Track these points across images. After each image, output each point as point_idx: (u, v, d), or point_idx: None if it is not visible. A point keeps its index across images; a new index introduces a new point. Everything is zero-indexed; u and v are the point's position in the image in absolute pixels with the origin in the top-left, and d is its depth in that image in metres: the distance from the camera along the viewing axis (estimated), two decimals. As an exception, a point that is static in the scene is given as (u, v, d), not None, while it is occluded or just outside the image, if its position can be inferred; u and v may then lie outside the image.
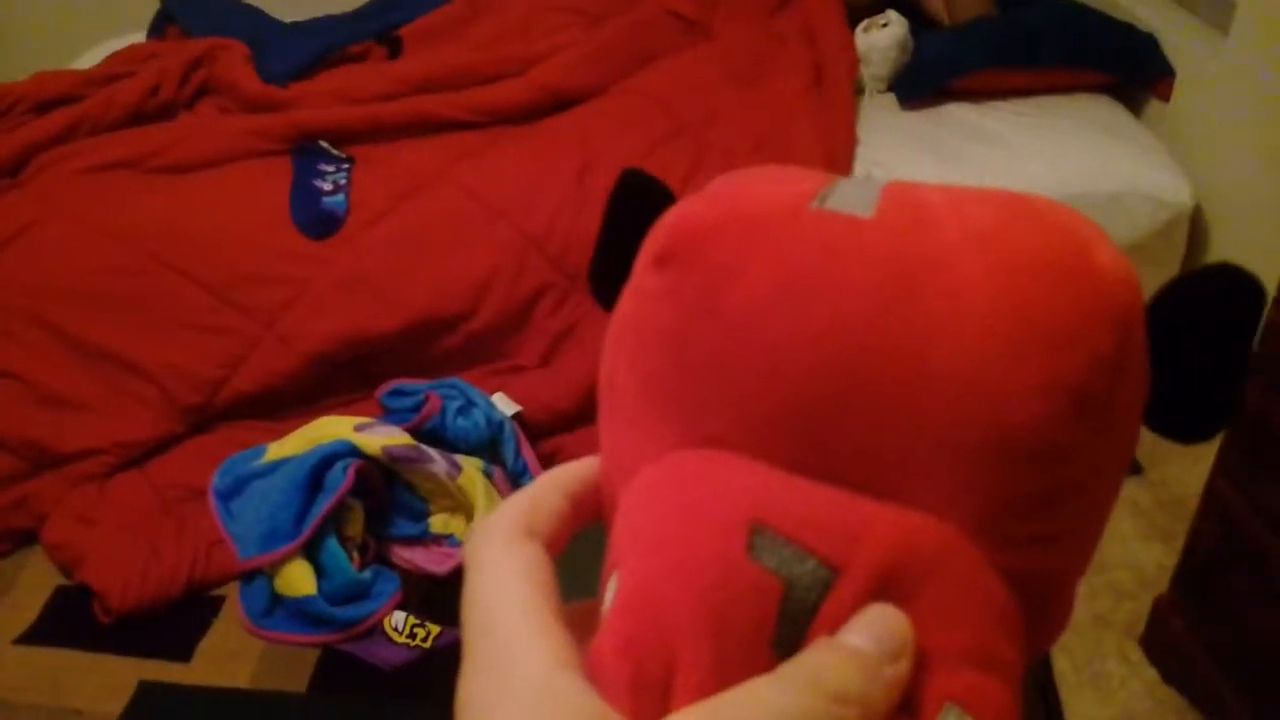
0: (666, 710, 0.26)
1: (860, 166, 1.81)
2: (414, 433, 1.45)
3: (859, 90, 2.00)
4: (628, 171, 0.35)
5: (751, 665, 0.26)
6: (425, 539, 1.44)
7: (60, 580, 1.40)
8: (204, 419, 1.55)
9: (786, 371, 0.29)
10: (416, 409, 1.50)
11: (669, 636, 0.27)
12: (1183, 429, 0.31)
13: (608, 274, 0.34)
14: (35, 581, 1.40)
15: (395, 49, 2.10)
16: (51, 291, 1.57)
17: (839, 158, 1.76)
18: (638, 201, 0.33)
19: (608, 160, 1.74)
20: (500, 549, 0.30)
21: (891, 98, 2.02)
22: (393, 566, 1.40)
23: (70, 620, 1.34)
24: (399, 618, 1.32)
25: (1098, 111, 1.97)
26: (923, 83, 1.98)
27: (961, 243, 0.29)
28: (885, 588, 0.27)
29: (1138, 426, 0.30)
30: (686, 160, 1.74)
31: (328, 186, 1.68)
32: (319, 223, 1.63)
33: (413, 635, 1.31)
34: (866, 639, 0.26)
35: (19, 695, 1.24)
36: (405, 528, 1.43)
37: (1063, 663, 1.21)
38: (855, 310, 0.28)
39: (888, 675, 0.26)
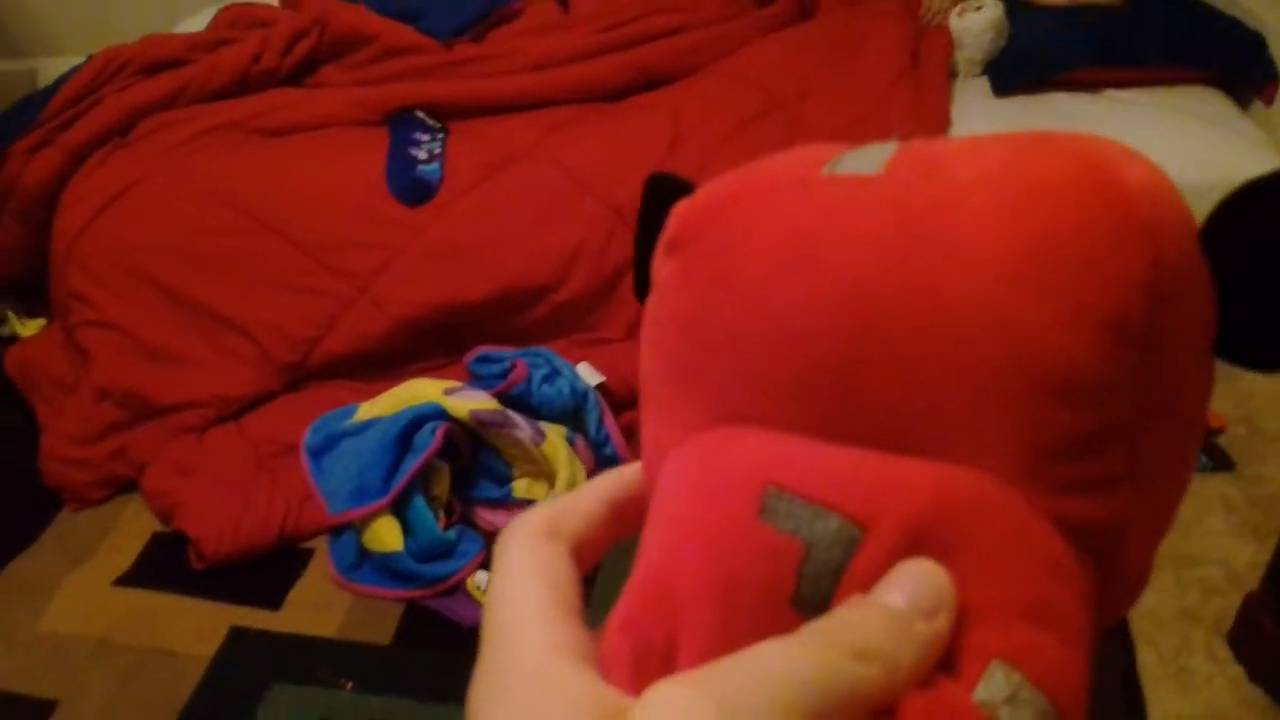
0: None
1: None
2: (500, 399, 1.48)
3: (953, 74, 1.98)
4: (653, 176, 0.34)
5: (770, 630, 0.25)
6: (508, 503, 1.46)
7: (157, 527, 1.44)
8: (298, 377, 1.59)
9: (798, 336, 0.27)
10: (503, 376, 1.52)
11: (673, 607, 0.26)
12: (1258, 357, 0.28)
13: (646, 280, 0.33)
14: (134, 527, 1.45)
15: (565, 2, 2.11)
16: (155, 248, 1.62)
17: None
18: (666, 204, 0.32)
19: (698, 135, 1.74)
20: (518, 548, 0.30)
21: (985, 82, 1.99)
22: (476, 528, 1.43)
23: (166, 565, 1.38)
24: (481, 577, 1.35)
25: (1204, 104, 1.92)
26: (1020, 74, 1.94)
27: (973, 182, 0.27)
28: (920, 543, 0.25)
29: (1203, 358, 0.28)
30: (778, 137, 1.73)
31: (423, 155, 1.70)
32: (413, 190, 1.65)
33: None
34: (898, 594, 0.24)
35: (118, 634, 1.29)
36: (489, 491, 1.45)
37: (1147, 656, 1.19)
38: (863, 265, 0.27)
39: (921, 632, 0.24)
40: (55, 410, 1.60)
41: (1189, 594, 1.27)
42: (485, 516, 1.44)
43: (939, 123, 1.79)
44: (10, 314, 1.81)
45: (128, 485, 1.51)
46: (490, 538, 1.41)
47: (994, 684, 0.24)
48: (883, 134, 0.31)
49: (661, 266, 0.31)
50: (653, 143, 1.73)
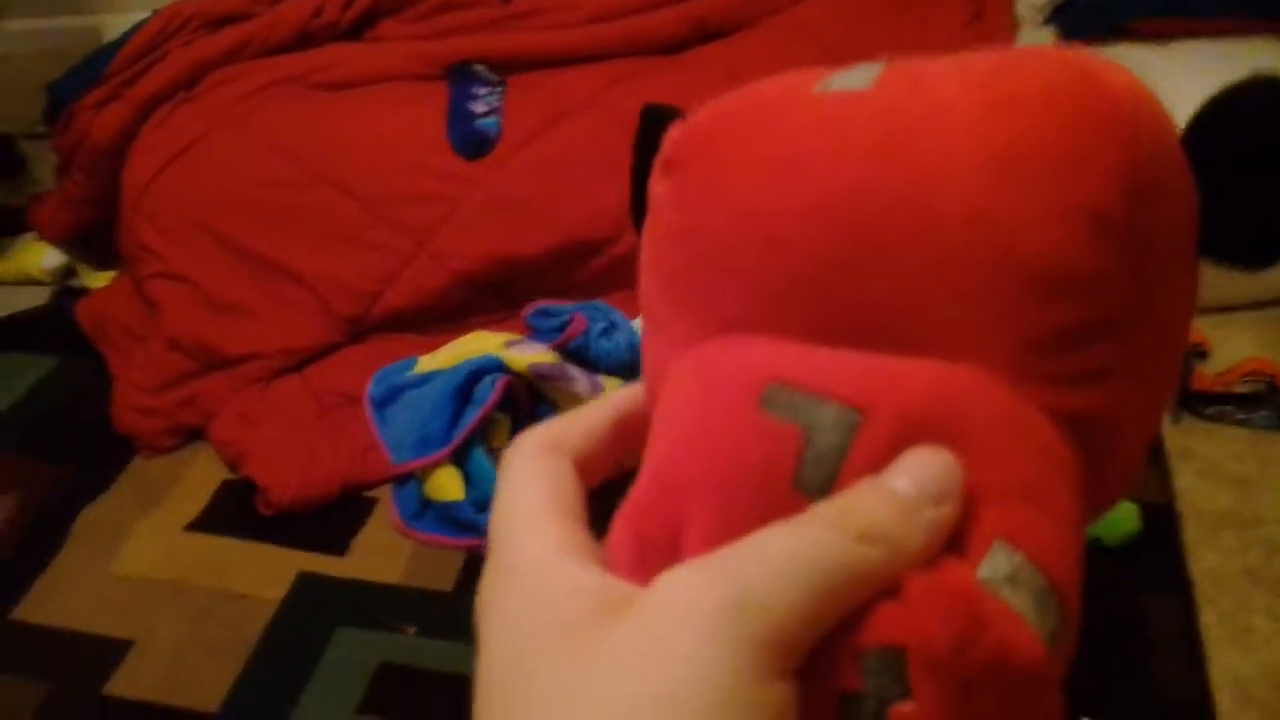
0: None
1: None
2: (558, 352, 1.49)
3: (1017, 24, 1.94)
4: (648, 106, 0.35)
5: (775, 515, 0.25)
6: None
7: (226, 474, 1.48)
8: (359, 330, 1.61)
9: (789, 244, 0.28)
10: (561, 329, 1.54)
11: (676, 498, 0.27)
12: (1240, 256, 0.29)
13: (642, 210, 0.33)
14: (203, 475, 1.49)
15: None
16: (220, 201, 1.64)
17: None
18: (661, 131, 0.33)
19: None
20: (522, 462, 0.30)
21: (1049, 32, 1.94)
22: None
23: (235, 512, 1.42)
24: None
25: (1276, 57, 1.86)
26: (1086, 26, 1.90)
27: (959, 92, 0.27)
28: (919, 430, 0.25)
29: (1187, 257, 0.29)
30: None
31: (481, 108, 1.71)
32: (472, 143, 1.66)
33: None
34: (906, 479, 0.25)
35: (190, 577, 1.33)
36: (547, 443, 1.47)
37: (1209, 615, 1.19)
38: (851, 173, 0.27)
39: (928, 518, 0.24)
40: (126, 360, 1.64)
41: (1251, 553, 1.26)
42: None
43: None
44: (81, 266, 1.86)
45: (197, 434, 1.54)
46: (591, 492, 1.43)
47: (996, 563, 0.25)
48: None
49: (656, 187, 0.32)
50: (709, 95, 1.71)
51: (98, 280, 1.84)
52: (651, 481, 0.28)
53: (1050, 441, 0.27)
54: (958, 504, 0.25)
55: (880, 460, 0.25)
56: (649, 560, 0.27)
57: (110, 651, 1.24)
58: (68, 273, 1.86)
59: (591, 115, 1.69)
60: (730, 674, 0.22)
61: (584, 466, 0.31)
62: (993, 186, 0.26)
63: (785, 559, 0.24)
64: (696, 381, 0.29)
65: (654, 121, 0.33)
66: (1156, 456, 1.37)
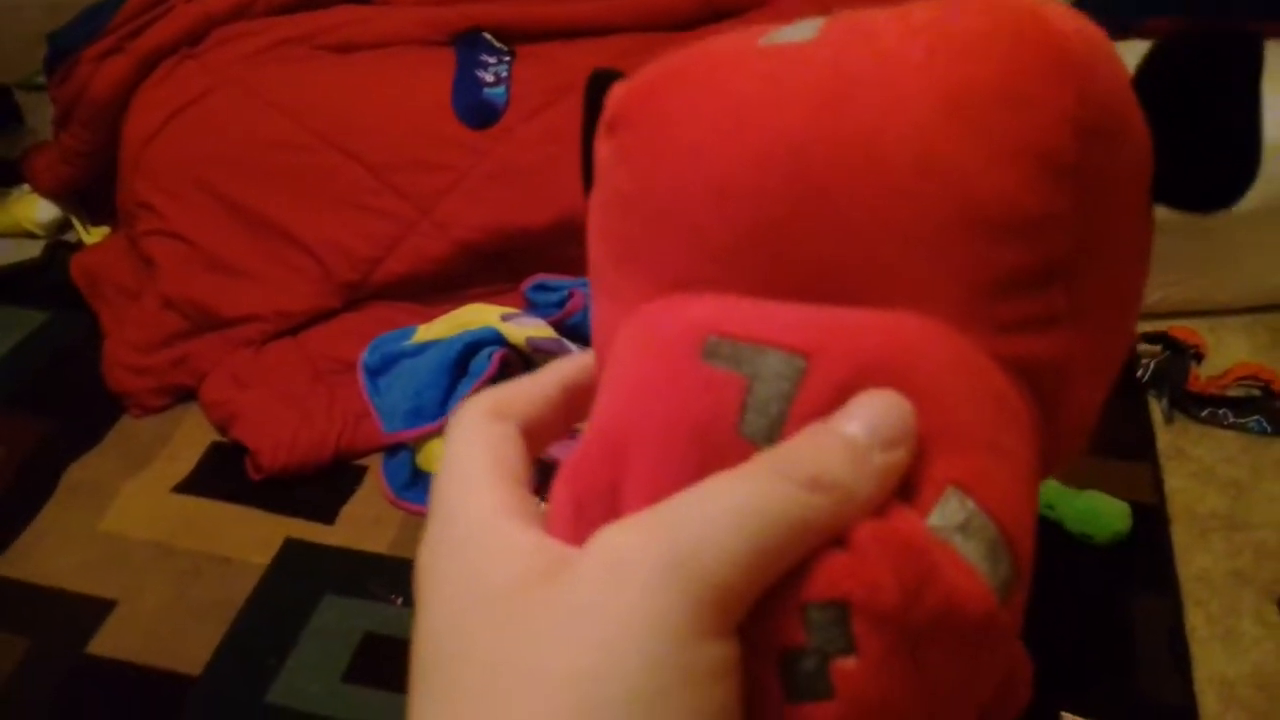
0: None
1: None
2: (557, 327, 1.48)
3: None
4: (596, 72, 0.34)
5: (719, 464, 0.24)
6: (576, 435, 1.47)
7: (216, 437, 1.47)
8: (358, 296, 1.60)
9: (735, 197, 0.27)
10: (560, 304, 1.53)
11: (615, 454, 0.26)
12: (1193, 199, 0.28)
13: (590, 176, 0.33)
14: (192, 436, 1.48)
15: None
16: (221, 160, 1.62)
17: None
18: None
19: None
20: (467, 425, 0.30)
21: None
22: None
23: (224, 475, 1.41)
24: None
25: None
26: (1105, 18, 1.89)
27: (902, 38, 0.27)
28: (868, 377, 0.25)
29: (1140, 202, 0.28)
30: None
31: (489, 78, 1.69)
32: (478, 113, 1.64)
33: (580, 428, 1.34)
34: (857, 423, 0.24)
35: (175, 539, 1.32)
36: (542, 418, 1.46)
37: (1196, 617, 1.19)
38: (796, 123, 0.27)
39: (878, 463, 0.23)
40: (119, 317, 1.62)
41: (1241, 556, 1.26)
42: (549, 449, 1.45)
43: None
44: (76, 220, 1.84)
45: (188, 395, 1.53)
46: (542, 466, 1.42)
47: (948, 510, 0.24)
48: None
49: (601, 148, 0.31)
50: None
51: (92, 235, 1.82)
52: (591, 441, 0.27)
53: (1003, 390, 0.26)
54: (910, 450, 0.24)
55: (828, 407, 0.24)
56: (588, 517, 0.26)
57: (93, 610, 1.23)
58: (62, 227, 1.84)
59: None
60: (669, 633, 0.22)
61: (531, 433, 0.31)
62: (939, 130, 0.25)
63: (727, 510, 0.23)
64: (637, 340, 0.28)
65: (602, 86, 0.33)
66: (1149, 456, 1.36)
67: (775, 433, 0.25)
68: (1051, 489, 1.26)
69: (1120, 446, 1.36)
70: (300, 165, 1.61)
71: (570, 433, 0.33)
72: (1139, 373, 1.45)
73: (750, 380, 0.25)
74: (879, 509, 0.24)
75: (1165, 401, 1.43)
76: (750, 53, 0.29)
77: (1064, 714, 1.05)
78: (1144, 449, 1.37)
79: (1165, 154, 0.28)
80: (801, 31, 0.29)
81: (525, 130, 1.63)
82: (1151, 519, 1.28)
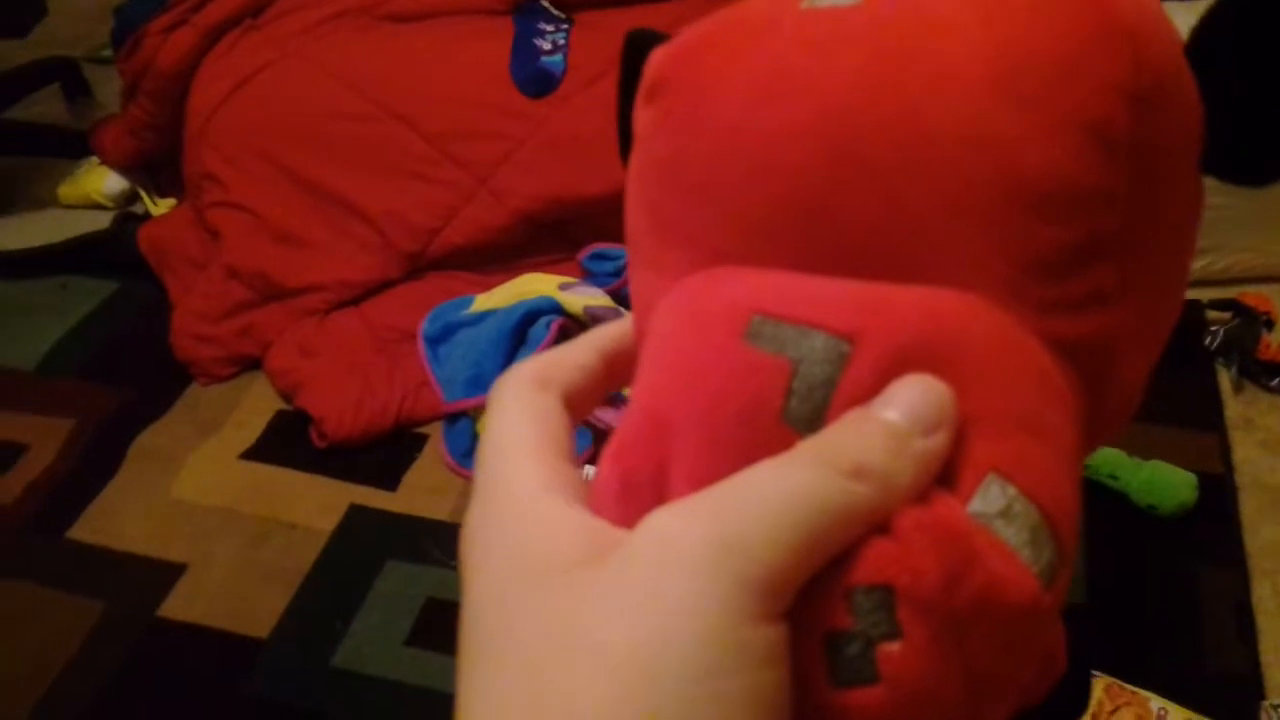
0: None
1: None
2: (614, 296, 1.48)
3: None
4: (632, 32, 0.33)
5: (763, 449, 0.24)
6: (618, 400, 1.47)
7: (281, 405, 1.50)
8: (418, 266, 1.61)
9: (776, 168, 0.27)
10: (617, 273, 1.53)
11: (662, 435, 0.26)
12: (1244, 171, 0.27)
13: (629, 142, 0.32)
14: (258, 404, 1.50)
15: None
16: (284, 132, 1.64)
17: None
18: (644, 61, 0.31)
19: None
20: (510, 397, 0.30)
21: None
22: (586, 424, 1.45)
23: (289, 442, 1.44)
24: (589, 471, 1.37)
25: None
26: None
27: (951, 6, 0.26)
28: (910, 358, 0.24)
29: (1191, 172, 0.27)
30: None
31: (547, 46, 1.69)
32: (536, 81, 1.64)
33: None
34: (896, 409, 0.24)
35: (243, 505, 1.35)
36: (600, 387, 1.47)
37: (1263, 589, 1.17)
38: (842, 93, 0.26)
39: (918, 449, 0.23)
40: (186, 287, 1.65)
41: (1313, 529, 1.23)
42: (595, 413, 1.46)
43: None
44: (143, 192, 1.87)
45: (254, 363, 1.56)
46: (600, 435, 1.43)
47: (989, 496, 0.24)
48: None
49: (640, 115, 0.31)
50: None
51: (159, 206, 1.85)
52: (636, 419, 0.27)
53: (1047, 370, 0.25)
54: (950, 434, 0.24)
55: (870, 391, 0.24)
56: (635, 498, 0.26)
57: (164, 574, 1.26)
58: (131, 198, 1.87)
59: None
60: (721, 616, 0.22)
61: (572, 401, 0.31)
62: (988, 102, 0.25)
63: (774, 499, 0.23)
64: (681, 316, 0.28)
65: (640, 48, 0.32)
66: (1216, 426, 1.34)
67: (818, 417, 0.25)
68: (1117, 460, 1.24)
69: (1187, 416, 1.34)
70: (360, 135, 1.62)
71: (610, 399, 0.33)
72: (1207, 340, 1.41)
73: (794, 365, 0.25)
74: (921, 494, 0.24)
75: (1234, 370, 1.39)
76: (791, 17, 0.28)
77: (1095, 673, 1.04)
78: (1212, 418, 1.35)
79: (1217, 124, 0.27)
80: None
81: (582, 99, 1.62)
82: (1219, 490, 1.26)
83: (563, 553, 0.24)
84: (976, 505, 0.23)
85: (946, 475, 0.24)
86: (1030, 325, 0.25)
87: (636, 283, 0.32)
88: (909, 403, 0.24)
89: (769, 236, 0.27)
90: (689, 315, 0.27)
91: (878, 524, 0.23)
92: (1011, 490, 0.24)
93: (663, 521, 0.23)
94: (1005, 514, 0.24)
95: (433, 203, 1.59)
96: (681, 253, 0.29)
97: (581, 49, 1.68)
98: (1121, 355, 0.27)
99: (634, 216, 0.31)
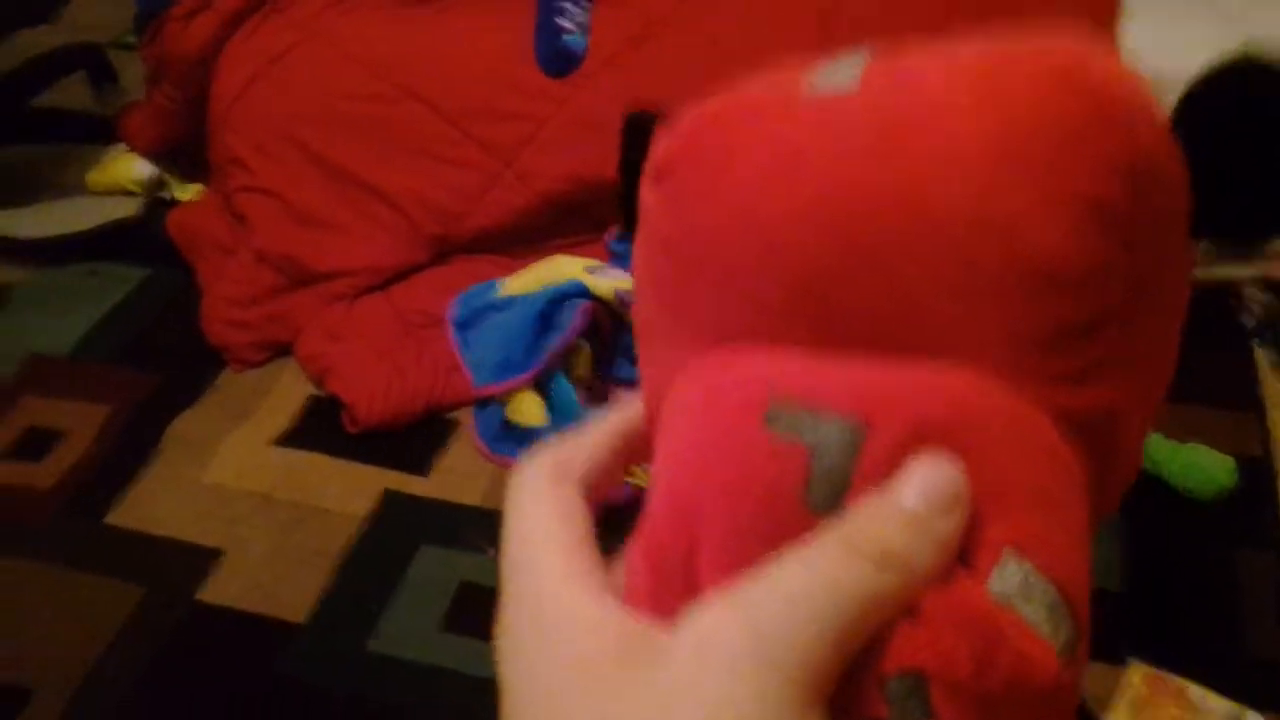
0: (691, 599, 0.26)
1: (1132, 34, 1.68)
2: (642, 278, 1.48)
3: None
4: (631, 115, 0.34)
5: (787, 533, 0.25)
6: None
7: (313, 390, 1.50)
8: (445, 249, 1.61)
9: (785, 249, 0.28)
10: (645, 255, 1.52)
11: (688, 522, 0.27)
12: (1230, 233, 0.28)
13: (632, 217, 0.33)
14: (291, 390, 1.51)
15: None
16: (308, 116, 1.64)
17: (1102, 24, 1.64)
18: (645, 136, 0.33)
19: (851, 7, 1.67)
20: (530, 494, 0.31)
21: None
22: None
23: (321, 428, 1.44)
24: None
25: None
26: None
27: (946, 85, 0.27)
28: (923, 437, 0.25)
29: (1183, 239, 0.28)
30: (939, 11, 1.65)
31: (569, 25, 1.68)
32: (558, 61, 1.64)
33: (631, 474, 1.35)
34: (912, 492, 0.25)
35: (277, 490, 1.36)
36: (628, 371, 1.47)
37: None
38: (844, 174, 0.27)
39: (938, 531, 0.24)
40: (216, 273, 1.66)
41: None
42: (624, 397, 1.46)
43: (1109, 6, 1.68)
44: (170, 178, 1.88)
45: (285, 349, 1.57)
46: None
47: (1007, 574, 0.25)
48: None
49: (647, 196, 0.32)
50: (802, 18, 1.66)
51: (187, 192, 1.86)
52: (662, 507, 0.28)
53: (1054, 444, 0.26)
54: (965, 511, 0.25)
55: (886, 470, 0.25)
56: (667, 586, 0.27)
57: (201, 559, 1.28)
58: (160, 184, 1.88)
59: (677, 35, 1.65)
60: (762, 712, 0.23)
61: (590, 489, 0.32)
62: (988, 182, 0.26)
63: (805, 592, 0.24)
64: (699, 400, 0.29)
65: (639, 128, 0.33)
66: (1255, 407, 1.32)
67: (838, 500, 0.26)
68: (1154, 442, 1.23)
69: (1224, 396, 1.32)
70: (384, 118, 1.62)
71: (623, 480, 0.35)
72: (1244, 318, 1.40)
73: (812, 450, 0.26)
74: (943, 576, 0.25)
75: (1272, 348, 1.38)
76: (796, 101, 0.29)
77: (1131, 659, 1.04)
78: (1250, 399, 1.33)
79: (1203, 191, 0.28)
80: (843, 75, 0.29)
81: (604, 78, 1.61)
82: (1258, 472, 1.25)
83: (605, 652, 0.26)
84: (995, 584, 0.24)
85: (962, 553, 0.25)
86: (1037, 399, 0.26)
87: (647, 361, 0.33)
88: (926, 484, 0.25)
89: (780, 316, 0.28)
90: (707, 400, 0.29)
91: (906, 608, 0.24)
92: (1028, 566, 0.25)
93: (700, 621, 0.25)
94: (1024, 592, 0.24)
95: (457, 185, 1.59)
96: (693, 332, 0.30)
97: (602, 27, 1.67)
98: (1125, 423, 0.28)
99: (644, 296, 0.32)
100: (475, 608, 1.19)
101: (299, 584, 1.24)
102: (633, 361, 1.49)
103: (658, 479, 0.29)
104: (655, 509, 0.29)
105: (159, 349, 1.59)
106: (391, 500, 1.33)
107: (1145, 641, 1.06)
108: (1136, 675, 1.02)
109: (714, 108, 0.31)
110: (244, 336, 1.56)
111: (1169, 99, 0.28)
